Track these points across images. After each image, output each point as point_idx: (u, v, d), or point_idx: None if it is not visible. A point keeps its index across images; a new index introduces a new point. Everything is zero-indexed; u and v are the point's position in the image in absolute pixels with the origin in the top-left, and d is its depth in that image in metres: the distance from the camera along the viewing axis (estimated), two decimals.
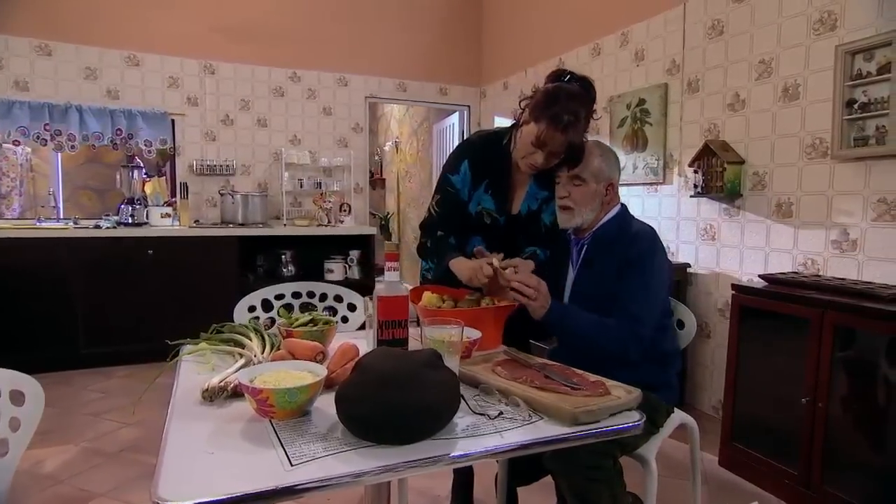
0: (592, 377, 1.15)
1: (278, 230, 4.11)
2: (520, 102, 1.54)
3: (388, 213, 7.52)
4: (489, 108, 5.07)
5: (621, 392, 1.08)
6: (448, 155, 1.75)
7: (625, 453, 1.43)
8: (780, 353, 2.18)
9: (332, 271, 4.23)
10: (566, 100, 1.43)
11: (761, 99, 2.58)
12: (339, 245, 4.31)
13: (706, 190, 2.80)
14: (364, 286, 3.82)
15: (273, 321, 1.83)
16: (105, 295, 3.56)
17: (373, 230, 4.43)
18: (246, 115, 4.42)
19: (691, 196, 2.92)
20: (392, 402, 0.83)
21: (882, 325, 1.77)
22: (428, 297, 1.49)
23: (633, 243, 1.49)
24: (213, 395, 0.99)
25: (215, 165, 4.27)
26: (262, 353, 1.17)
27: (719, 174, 2.72)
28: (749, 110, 2.64)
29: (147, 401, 3.04)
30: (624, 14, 3.43)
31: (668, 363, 1.56)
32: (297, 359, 1.10)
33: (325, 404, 0.98)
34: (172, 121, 4.18)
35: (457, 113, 5.32)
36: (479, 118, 5.19)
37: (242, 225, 4.06)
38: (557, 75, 1.52)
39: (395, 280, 1.21)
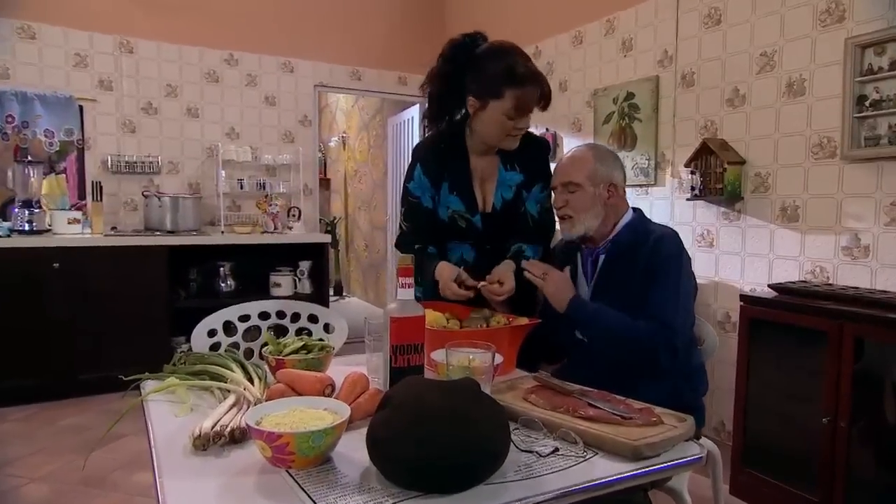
0: (637, 404, 1.15)
1: (215, 238, 3.96)
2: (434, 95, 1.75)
3: (335, 218, 7.39)
4: None
5: (673, 420, 1.09)
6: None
7: (655, 486, 1.44)
8: (795, 369, 2.27)
9: (279, 285, 4.10)
10: (516, 54, 1.57)
11: (763, 94, 2.70)
12: (287, 255, 4.20)
13: (704, 192, 2.90)
14: (319, 302, 3.73)
15: (238, 346, 1.74)
16: None
17: (326, 238, 4.33)
18: (173, 102, 4.23)
19: (687, 199, 3.02)
20: (444, 441, 0.80)
21: None
22: (433, 315, 1.46)
23: (656, 248, 1.52)
24: (207, 443, 0.91)
25: (136, 162, 4.07)
26: (254, 387, 1.10)
27: (719, 175, 2.82)
28: (750, 107, 2.76)
29: (50, 448, 2.83)
30: None
31: (697, 382, 1.60)
32: (300, 394, 1.04)
33: (345, 447, 0.93)
34: (80, 107, 3.94)
35: (417, 105, 5.29)
36: None
37: (171, 233, 3.87)
38: (460, 45, 1.70)
39: (409, 298, 1.17)
